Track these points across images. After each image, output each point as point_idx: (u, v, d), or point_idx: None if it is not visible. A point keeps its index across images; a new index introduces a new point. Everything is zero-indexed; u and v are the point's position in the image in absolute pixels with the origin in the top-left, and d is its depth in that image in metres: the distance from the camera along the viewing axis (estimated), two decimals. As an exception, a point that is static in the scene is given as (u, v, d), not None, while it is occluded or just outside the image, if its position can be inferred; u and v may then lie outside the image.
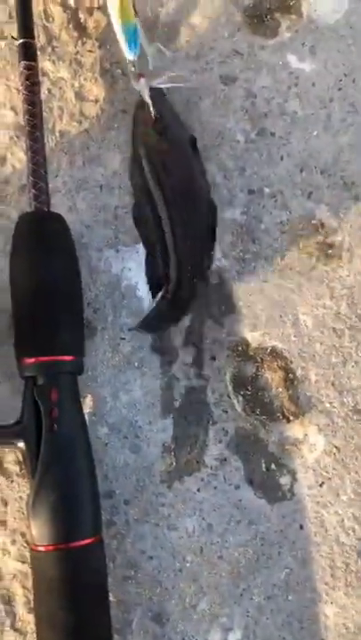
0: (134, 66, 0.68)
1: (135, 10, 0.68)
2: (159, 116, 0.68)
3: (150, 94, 0.68)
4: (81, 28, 0.74)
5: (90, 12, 0.75)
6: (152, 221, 0.69)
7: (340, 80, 0.74)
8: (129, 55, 0.68)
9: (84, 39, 0.74)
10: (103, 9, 0.74)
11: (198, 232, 0.70)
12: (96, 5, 0.75)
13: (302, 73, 0.74)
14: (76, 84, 0.73)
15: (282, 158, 0.73)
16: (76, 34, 0.74)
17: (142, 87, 0.68)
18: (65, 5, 0.74)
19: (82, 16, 0.75)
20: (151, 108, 0.68)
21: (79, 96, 0.73)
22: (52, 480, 0.59)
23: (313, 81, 0.74)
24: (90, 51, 0.74)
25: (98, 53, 0.74)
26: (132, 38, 0.68)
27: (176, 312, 0.70)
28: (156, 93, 0.69)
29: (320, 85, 0.74)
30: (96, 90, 0.73)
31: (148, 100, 0.68)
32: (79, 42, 0.74)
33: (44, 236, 0.63)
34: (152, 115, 0.68)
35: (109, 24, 0.74)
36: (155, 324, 0.69)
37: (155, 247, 0.69)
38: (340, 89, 0.74)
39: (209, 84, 0.73)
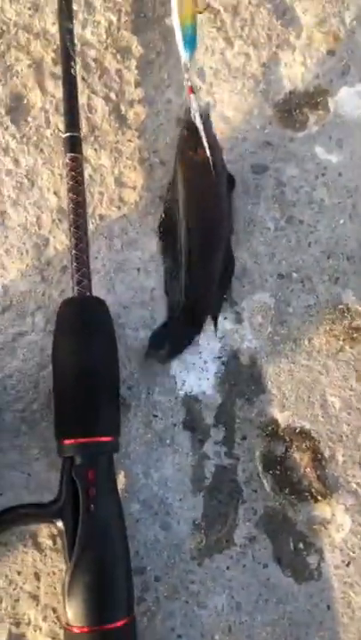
0: (187, 69, 0.71)
1: (195, 13, 0.70)
2: (204, 135, 0.70)
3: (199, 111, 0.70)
4: (121, 119, 0.79)
5: (130, 104, 0.80)
6: (175, 237, 0.72)
7: (365, 187, 0.78)
8: (184, 56, 0.71)
9: (124, 129, 0.79)
10: (143, 101, 0.79)
11: (214, 261, 0.73)
12: (136, 98, 0.80)
13: (329, 164, 0.78)
14: (116, 171, 0.78)
15: (310, 245, 0.76)
16: (116, 124, 0.79)
17: (192, 102, 0.71)
18: (107, 98, 0.80)
19: (123, 108, 0.80)
20: (198, 125, 0.70)
21: (119, 182, 0.78)
22: (89, 561, 0.60)
23: (340, 171, 0.78)
24: (129, 140, 0.79)
25: (137, 143, 0.79)
26: (189, 39, 0.71)
27: (187, 332, 0.72)
28: (203, 111, 0.71)
29: (346, 176, 0.78)
30: (135, 177, 0.78)
31: (197, 116, 0.70)
32: (119, 132, 0.79)
33: (87, 322, 0.66)
34: (198, 131, 0.70)
35: (148, 116, 0.79)
36: (166, 344, 0.72)
37: (174, 264, 0.72)
38: (362, 199, 0.78)
39: (241, 173, 0.78)
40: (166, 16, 0.82)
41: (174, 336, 0.73)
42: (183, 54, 0.71)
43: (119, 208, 0.77)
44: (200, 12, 0.73)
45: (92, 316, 0.67)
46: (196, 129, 0.70)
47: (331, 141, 0.79)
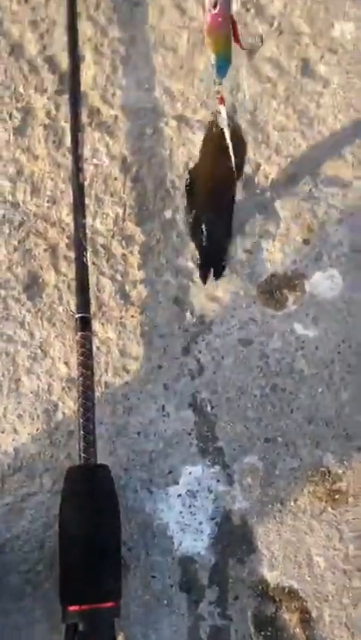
0: (219, 92, 0.82)
1: (231, 44, 0.77)
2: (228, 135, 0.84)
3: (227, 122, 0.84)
4: (126, 297, 0.91)
5: (133, 284, 0.92)
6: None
7: (339, 345, 0.89)
8: (217, 78, 0.81)
9: (128, 306, 0.90)
10: (144, 282, 0.91)
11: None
12: (138, 279, 0.92)
13: (307, 338, 0.89)
14: (121, 343, 0.88)
15: (292, 411, 0.86)
16: (121, 302, 0.91)
17: (222, 111, 0.82)
18: (113, 279, 0.92)
19: (127, 287, 0.92)
20: (226, 134, 0.83)
21: (123, 353, 0.88)
22: None
23: (316, 345, 0.89)
24: (132, 316, 0.90)
25: (139, 318, 0.90)
26: (221, 65, 0.79)
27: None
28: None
29: (322, 349, 0.89)
30: (136, 349, 0.88)
31: (225, 126, 0.83)
32: (124, 308, 0.90)
33: (93, 489, 0.73)
34: (225, 138, 0.83)
35: (149, 295, 0.91)
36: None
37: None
38: (339, 352, 0.89)
39: (230, 346, 0.89)
40: (165, 209, 0.96)
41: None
42: (216, 77, 0.81)
43: (122, 376, 0.86)
44: (242, 48, 0.83)
45: (96, 486, 0.73)
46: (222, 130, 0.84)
47: (307, 318, 0.90)
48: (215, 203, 0.95)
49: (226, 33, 0.74)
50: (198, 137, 1.02)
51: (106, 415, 0.84)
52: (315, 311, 0.91)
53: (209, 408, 0.85)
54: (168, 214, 0.96)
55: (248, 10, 1.15)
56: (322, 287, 0.92)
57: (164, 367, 0.87)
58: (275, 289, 0.92)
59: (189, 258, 0.94)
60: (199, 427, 0.85)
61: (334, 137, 1.03)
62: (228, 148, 0.86)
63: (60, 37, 1.04)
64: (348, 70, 1.09)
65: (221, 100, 0.83)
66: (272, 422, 0.85)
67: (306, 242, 0.95)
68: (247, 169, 1.00)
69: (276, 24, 1.13)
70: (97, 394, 0.84)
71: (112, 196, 0.97)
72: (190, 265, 0.93)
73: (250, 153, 1.00)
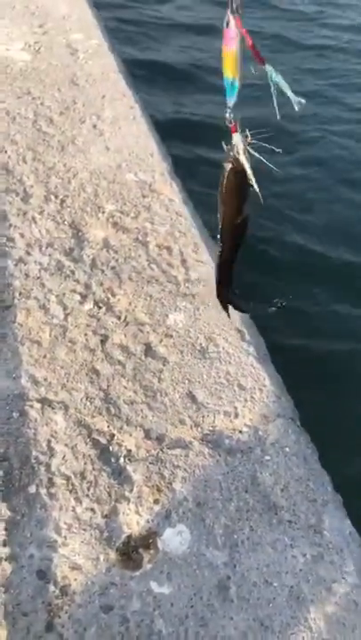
0: (230, 114, 0.81)
1: (238, 70, 0.79)
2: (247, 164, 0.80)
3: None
4: (-10, 576, 0.96)
5: (-2, 562, 0.98)
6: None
7: (191, 598, 0.98)
8: (228, 101, 0.81)
9: (-7, 585, 0.95)
10: (9, 558, 0.98)
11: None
12: (3, 557, 0.99)
13: (163, 596, 0.97)
14: (-16, 627, 0.91)
15: None
16: (-14, 581, 0.96)
17: (237, 141, 0.81)
18: (-21, 559, 0.98)
19: (-8, 566, 0.98)
20: (242, 158, 0.80)
21: (-15, 638, 0.90)
22: None
23: (171, 601, 0.97)
24: (-3, 595, 0.94)
25: (2, 598, 0.94)
26: (230, 89, 0.80)
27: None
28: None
29: (177, 605, 0.97)
30: None
31: (242, 152, 0.80)
32: (-12, 588, 0.95)
33: None
34: (241, 162, 0.80)
35: (13, 572, 0.97)
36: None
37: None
38: (191, 606, 0.97)
39: (91, 615, 0.94)
40: (30, 484, 1.08)
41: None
42: (227, 100, 0.82)
43: (-15, 664, 0.88)
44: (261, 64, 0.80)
45: None
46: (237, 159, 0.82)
47: (162, 575, 0.99)
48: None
49: (234, 53, 0.78)
50: (59, 416, 1.20)
51: None
52: (168, 567, 1.00)
53: None
54: (33, 488, 1.08)
55: (100, 307, 1.44)
56: (173, 543, 1.04)
57: (27, 648, 0.90)
58: (132, 549, 1.02)
59: (53, 528, 1.03)
60: None
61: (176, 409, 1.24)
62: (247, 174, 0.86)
63: None
64: (182, 350, 1.36)
65: (235, 129, 0.84)
66: None
67: (156, 502, 1.09)
68: (101, 439, 1.17)
69: (122, 317, 1.42)
70: None
71: (-19, 476, 1.08)
72: (54, 535, 1.02)
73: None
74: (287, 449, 1.19)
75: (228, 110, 0.81)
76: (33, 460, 1.12)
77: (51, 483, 1.10)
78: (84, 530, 1.04)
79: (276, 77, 0.77)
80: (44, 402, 1.22)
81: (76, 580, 0.98)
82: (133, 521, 1.06)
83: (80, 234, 1.64)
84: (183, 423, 1.22)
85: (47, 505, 1.06)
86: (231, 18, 0.76)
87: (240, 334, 1.41)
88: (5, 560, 0.99)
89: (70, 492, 1.09)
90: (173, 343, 1.37)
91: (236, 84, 0.80)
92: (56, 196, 1.75)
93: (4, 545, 1.00)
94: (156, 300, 1.47)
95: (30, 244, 1.59)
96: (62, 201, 1.75)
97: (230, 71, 0.79)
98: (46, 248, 1.59)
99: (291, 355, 1.78)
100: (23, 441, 1.15)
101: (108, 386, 1.27)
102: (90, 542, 1.03)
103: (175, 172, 1.94)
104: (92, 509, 1.07)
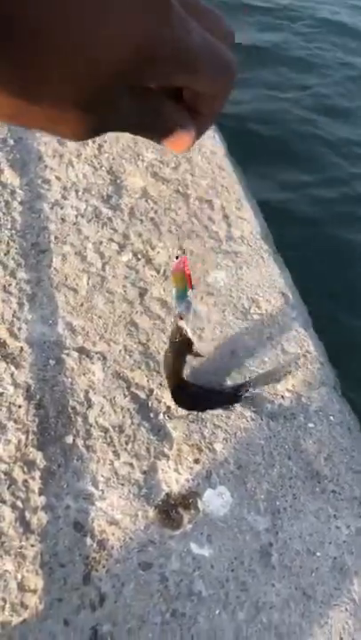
0: (181, 317, 1.01)
1: (190, 285, 0.99)
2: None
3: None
4: (25, 524, 0.92)
5: (34, 510, 0.94)
6: None
7: (232, 562, 0.94)
8: (177, 309, 1.00)
9: (28, 534, 0.92)
10: (46, 508, 0.94)
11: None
12: (39, 506, 0.95)
13: (203, 558, 0.94)
14: (19, 576, 0.87)
15: (192, 638, 0.87)
16: (21, 529, 0.92)
17: (183, 324, 1.02)
18: (14, 506, 0.94)
19: (27, 514, 0.94)
20: (189, 335, 1.02)
21: (21, 587, 0.87)
22: None
23: (212, 563, 0.94)
24: (32, 545, 0.91)
25: (39, 547, 0.91)
26: (181, 300, 1.00)
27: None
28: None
29: (217, 567, 0.94)
30: (35, 581, 0.87)
31: (186, 330, 1.02)
32: (24, 537, 0.91)
33: None
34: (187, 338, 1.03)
35: (49, 522, 0.93)
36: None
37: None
38: (232, 570, 0.94)
39: (129, 571, 0.91)
40: (66, 434, 1.03)
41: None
42: (177, 308, 1.01)
43: (20, 614, 0.84)
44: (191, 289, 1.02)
45: None
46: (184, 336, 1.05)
47: (202, 537, 0.96)
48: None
49: (182, 275, 1.00)
50: (97, 366, 1.14)
51: None
52: (208, 529, 0.97)
53: (110, 643, 0.84)
54: (69, 439, 1.03)
55: (139, 259, 1.37)
56: (214, 505, 1.00)
57: (64, 600, 0.87)
58: (171, 508, 0.98)
59: (89, 481, 0.99)
60: (100, 664, 0.82)
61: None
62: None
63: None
64: (224, 310, 1.30)
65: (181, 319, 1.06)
66: None
67: (196, 461, 1.05)
68: (140, 393, 1.12)
69: (162, 271, 1.36)
70: (-8, 636, 0.81)
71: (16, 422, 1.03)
72: (91, 488, 0.98)
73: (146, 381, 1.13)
74: (331, 418, 1.15)
75: (179, 314, 1.02)
76: (70, 410, 1.07)
77: (88, 434, 1.05)
78: (122, 485, 1.00)
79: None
80: (82, 351, 1.17)
81: (113, 534, 0.94)
82: (173, 479, 1.02)
83: (118, 181, 1.57)
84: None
85: (84, 456, 1.02)
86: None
87: (284, 298, 1.35)
88: (41, 510, 0.95)
89: (108, 444, 1.05)
90: (215, 302, 1.32)
91: (185, 295, 1.00)
92: (93, 141, 1.67)
93: (40, 494, 0.96)
94: (197, 257, 1.41)
95: (66, 188, 1.52)
96: (100, 146, 1.67)
97: (184, 285, 0.99)
98: (83, 193, 1.51)
99: (329, 324, 1.74)
100: (60, 389, 1.10)
101: (147, 340, 1.21)
102: (128, 498, 0.99)
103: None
104: (131, 464, 1.03)
